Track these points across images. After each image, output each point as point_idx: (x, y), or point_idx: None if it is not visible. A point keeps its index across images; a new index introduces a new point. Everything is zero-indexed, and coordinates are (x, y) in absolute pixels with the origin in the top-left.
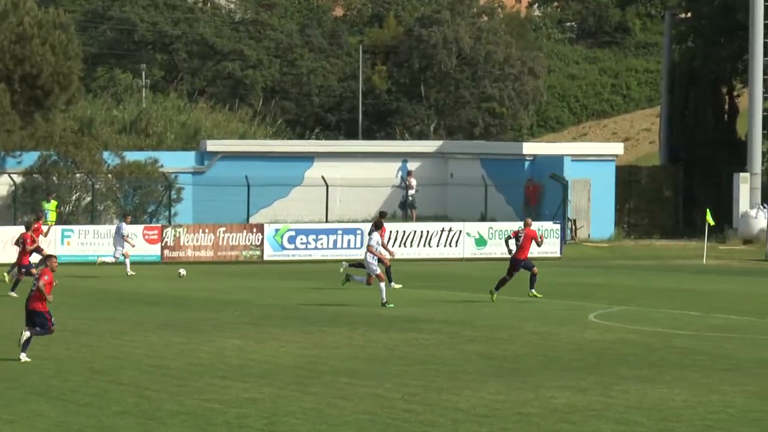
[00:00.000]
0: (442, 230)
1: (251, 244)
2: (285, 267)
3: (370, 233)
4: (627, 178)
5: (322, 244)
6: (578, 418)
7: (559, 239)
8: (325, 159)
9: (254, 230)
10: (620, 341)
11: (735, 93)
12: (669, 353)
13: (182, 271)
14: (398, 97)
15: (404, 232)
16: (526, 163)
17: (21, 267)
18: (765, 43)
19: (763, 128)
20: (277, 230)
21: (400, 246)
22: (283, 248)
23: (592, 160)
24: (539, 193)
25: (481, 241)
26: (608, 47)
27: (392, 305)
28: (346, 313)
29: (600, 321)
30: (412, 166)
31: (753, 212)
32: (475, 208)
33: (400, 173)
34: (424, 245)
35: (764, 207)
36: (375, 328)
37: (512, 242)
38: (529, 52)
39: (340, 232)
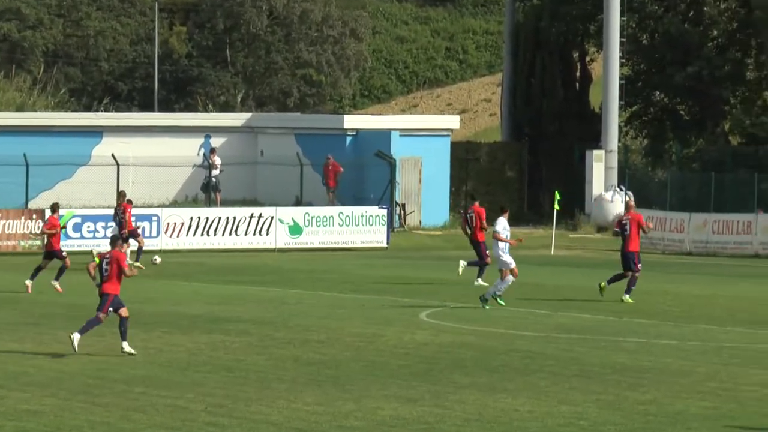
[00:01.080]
0: (251, 216)
1: (31, 233)
2: (70, 259)
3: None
4: (464, 156)
5: (112, 232)
6: None
7: (385, 227)
8: (116, 134)
9: (34, 217)
10: (456, 344)
11: (588, 58)
12: (512, 357)
13: (157, 258)
14: (200, 63)
15: (207, 218)
16: (348, 139)
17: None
18: (622, 0)
19: (621, 99)
20: (60, 216)
21: (202, 234)
22: (68, 237)
23: (423, 135)
24: (339, 174)
25: (296, 229)
26: (442, 5)
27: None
28: (141, 311)
29: (433, 321)
30: (216, 142)
31: (608, 195)
32: (290, 190)
33: (202, 150)
34: (231, 233)
35: (621, 189)
36: (174, 330)
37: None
38: (351, 12)
39: (133, 218)
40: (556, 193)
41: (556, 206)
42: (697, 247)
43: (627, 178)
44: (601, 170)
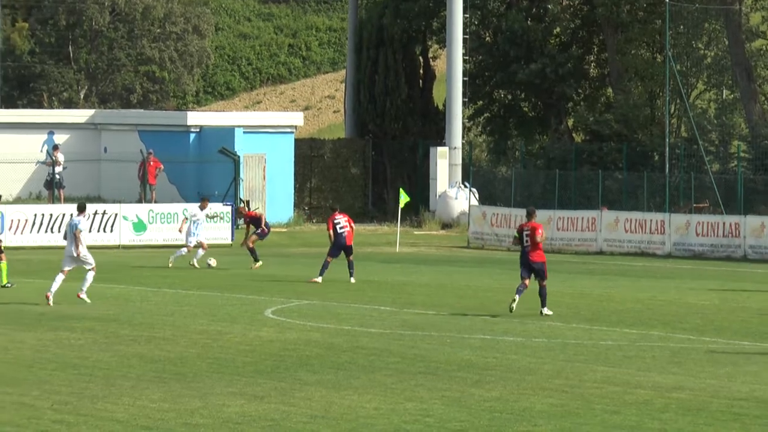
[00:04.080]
0: (95, 213)
1: None
2: None
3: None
4: (308, 152)
5: None
6: (253, 429)
7: (230, 224)
8: None
9: None
10: (302, 341)
11: (431, 55)
12: (358, 354)
13: (212, 262)
14: (43, 59)
15: (51, 215)
16: (192, 136)
17: None
18: None
19: (464, 96)
20: None
21: (46, 231)
22: None
23: (267, 132)
24: (159, 171)
25: (140, 226)
26: (284, 2)
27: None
28: None
29: (278, 318)
30: (59, 138)
31: (453, 192)
32: (133, 187)
33: (45, 147)
34: None
35: (466, 186)
36: (19, 327)
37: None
38: (194, 8)
39: None
40: (401, 190)
41: (402, 203)
42: (542, 243)
43: (471, 175)
44: (445, 167)
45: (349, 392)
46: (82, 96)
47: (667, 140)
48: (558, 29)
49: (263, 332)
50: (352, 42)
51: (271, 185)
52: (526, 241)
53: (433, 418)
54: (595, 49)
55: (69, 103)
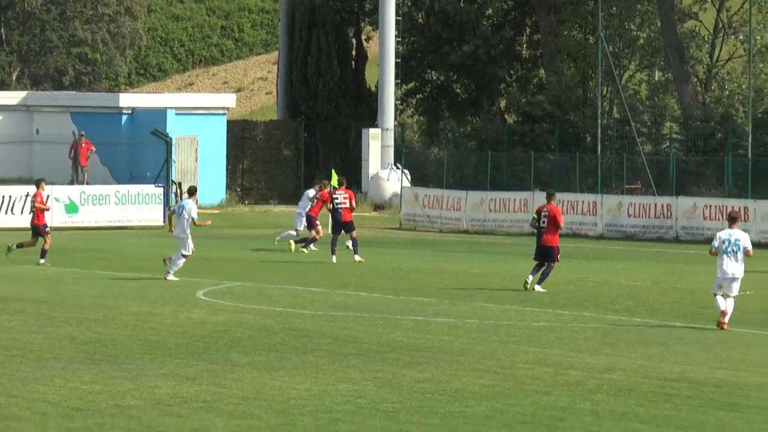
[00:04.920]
0: (27, 195)
1: None
2: None
3: None
4: (240, 134)
5: None
6: (185, 410)
7: (162, 205)
8: None
9: None
10: (233, 323)
11: (364, 37)
12: (290, 336)
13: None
14: None
15: None
16: (124, 117)
17: None
18: None
19: (396, 77)
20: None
21: None
22: None
23: (199, 113)
24: (91, 152)
25: (72, 207)
26: None
27: None
28: None
29: (210, 299)
30: None
31: (385, 174)
32: (65, 169)
33: None
34: (7, 212)
35: (398, 167)
36: None
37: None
38: None
39: None
40: (333, 171)
41: (335, 183)
42: (474, 225)
43: (403, 156)
44: (377, 148)
45: (281, 374)
46: (14, 78)
47: (599, 121)
48: (490, 10)
49: (195, 314)
50: (285, 23)
51: (203, 167)
52: (543, 223)
53: (364, 400)
54: (528, 31)
55: (1, 85)
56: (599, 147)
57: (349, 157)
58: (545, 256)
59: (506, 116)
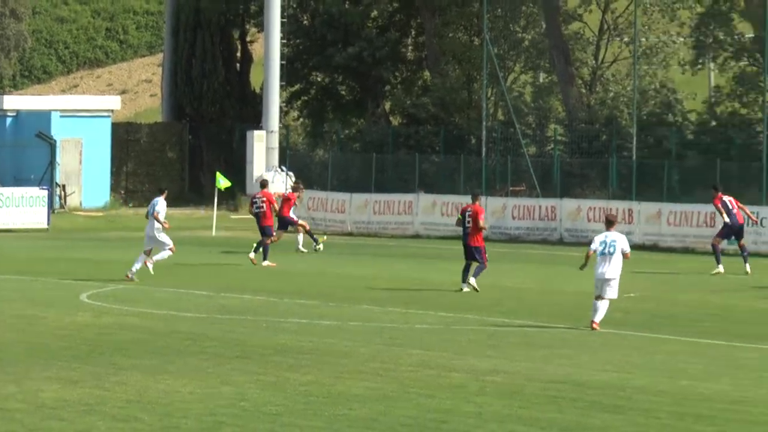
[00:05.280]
0: None
1: None
2: None
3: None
4: (125, 136)
5: None
6: (69, 414)
7: (46, 208)
8: None
9: None
10: (118, 325)
11: (249, 39)
12: (174, 339)
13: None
14: None
15: None
16: (8, 120)
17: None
18: None
19: (282, 79)
20: None
21: None
22: None
23: (84, 116)
24: None
25: None
26: None
27: None
28: None
29: (94, 302)
30: None
31: (269, 176)
32: None
33: None
34: None
35: (282, 170)
36: None
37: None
38: None
39: None
40: (218, 173)
41: (220, 185)
42: (359, 227)
43: (288, 158)
44: (262, 151)
45: (164, 377)
46: None
47: (484, 123)
48: (375, 12)
49: (79, 317)
50: (170, 25)
51: (87, 169)
52: (468, 223)
53: (248, 402)
54: (413, 33)
55: None
56: (484, 149)
57: (234, 159)
58: (473, 257)
59: (391, 118)
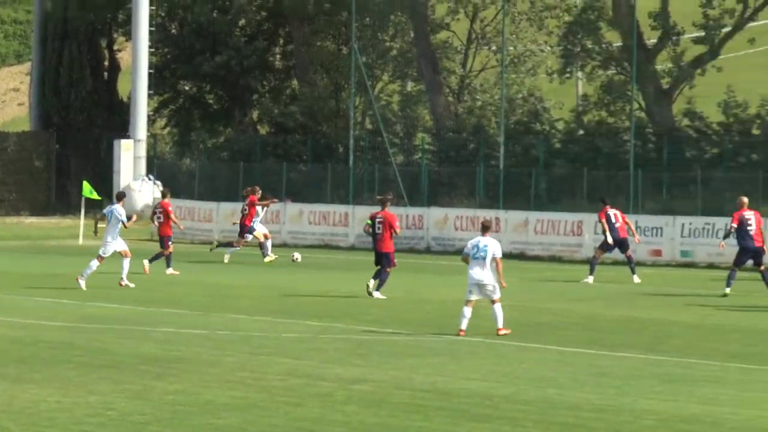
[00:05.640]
0: None
1: None
2: None
3: None
4: None
5: None
6: None
7: None
8: None
9: None
10: None
11: (117, 47)
12: (40, 348)
13: (297, 256)
14: None
15: None
16: None
17: None
18: None
19: (149, 88)
20: None
21: None
22: None
23: None
24: None
25: None
26: None
27: None
28: None
29: None
30: None
31: (137, 185)
32: None
33: None
34: None
35: (150, 179)
36: None
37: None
38: None
39: None
40: (85, 182)
41: (91, 194)
42: (226, 236)
43: (156, 167)
44: (129, 160)
45: (31, 386)
46: None
47: (352, 132)
48: (243, 21)
49: None
50: (38, 34)
51: None
52: (379, 229)
53: (115, 412)
54: (281, 41)
55: None
56: (351, 158)
57: (102, 168)
58: (382, 263)
59: (259, 127)
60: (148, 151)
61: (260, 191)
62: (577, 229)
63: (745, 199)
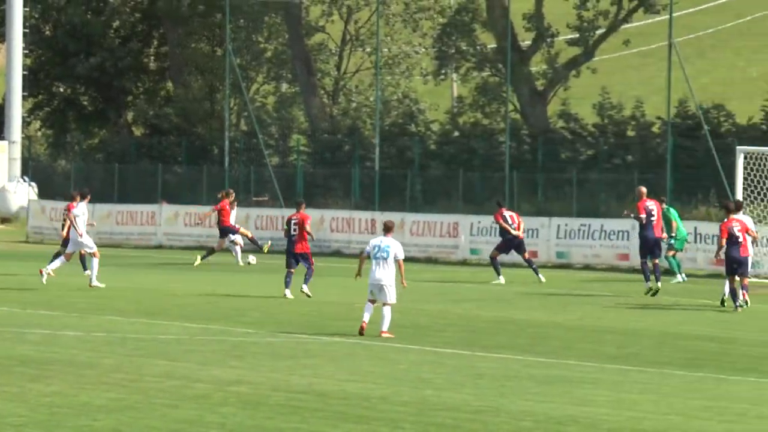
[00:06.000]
0: None
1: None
2: None
3: None
4: None
5: None
6: None
7: None
8: None
9: None
10: None
11: None
12: None
13: (252, 259)
14: None
15: None
16: None
17: None
18: None
19: (24, 90)
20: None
21: None
22: None
23: None
24: None
25: None
26: None
27: None
28: None
29: None
30: None
31: (11, 187)
32: None
33: None
34: None
35: (25, 180)
36: None
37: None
38: None
39: None
40: None
41: None
42: (102, 238)
43: (30, 169)
44: (4, 161)
45: None
46: None
47: (227, 134)
48: (118, 23)
49: None
50: None
51: None
52: (294, 231)
53: None
54: (156, 43)
55: None
56: (227, 159)
57: None
58: (298, 263)
59: (133, 128)
60: (23, 153)
61: (233, 194)
62: (453, 231)
63: (644, 189)
